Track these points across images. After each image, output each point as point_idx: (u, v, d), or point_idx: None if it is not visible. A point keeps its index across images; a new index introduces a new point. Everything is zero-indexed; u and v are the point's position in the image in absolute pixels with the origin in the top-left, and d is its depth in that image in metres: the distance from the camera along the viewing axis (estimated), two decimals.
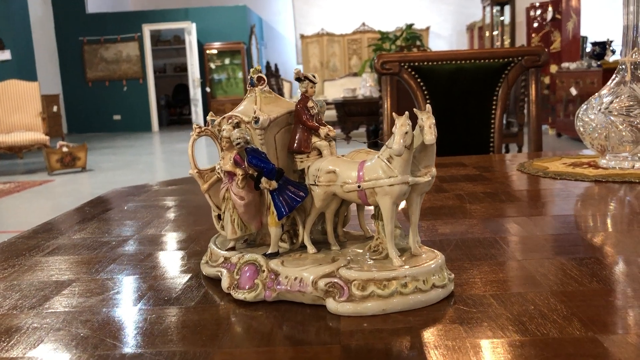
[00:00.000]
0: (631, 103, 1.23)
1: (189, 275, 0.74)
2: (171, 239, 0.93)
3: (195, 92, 12.09)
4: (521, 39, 9.75)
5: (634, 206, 1.02)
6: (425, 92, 2.01)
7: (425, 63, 2.01)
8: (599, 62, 7.69)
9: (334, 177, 0.64)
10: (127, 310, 0.64)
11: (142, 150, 9.54)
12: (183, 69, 13.51)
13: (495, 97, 2.02)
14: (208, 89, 12.23)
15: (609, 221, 0.94)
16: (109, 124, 12.27)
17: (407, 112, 0.58)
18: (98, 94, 12.27)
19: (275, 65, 5.71)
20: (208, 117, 0.75)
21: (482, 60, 2.00)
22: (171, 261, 0.81)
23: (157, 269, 0.77)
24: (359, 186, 0.62)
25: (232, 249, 0.72)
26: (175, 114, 14.11)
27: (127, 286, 0.71)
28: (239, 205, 0.70)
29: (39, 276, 0.76)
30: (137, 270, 0.77)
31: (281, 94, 5.59)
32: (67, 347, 0.55)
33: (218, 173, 0.73)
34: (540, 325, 0.54)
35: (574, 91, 7.98)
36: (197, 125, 0.74)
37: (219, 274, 0.69)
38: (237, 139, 0.66)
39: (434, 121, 0.58)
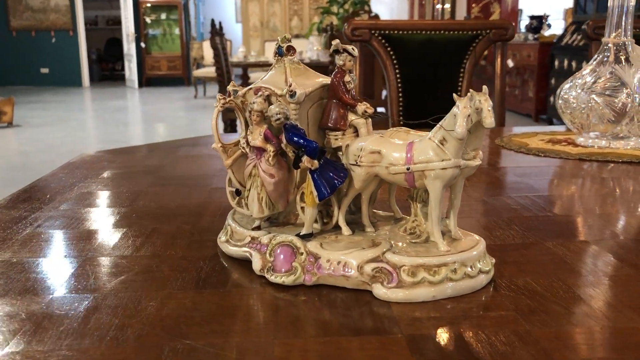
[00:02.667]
0: (613, 84, 1.26)
1: (207, 254, 0.70)
2: (169, 212, 0.88)
3: (130, 47, 11.55)
4: (461, 9, 9.86)
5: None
6: (395, 61, 1.99)
7: (396, 32, 1.99)
8: (535, 36, 7.90)
9: (379, 158, 0.62)
10: (158, 295, 0.60)
11: (74, 106, 9.10)
12: (116, 22, 12.87)
13: (462, 69, 2.03)
14: (143, 45, 11.73)
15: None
16: (36, 78, 11.58)
17: (469, 94, 0.56)
18: (23, 44, 11.52)
19: (220, 23, 5.51)
20: (230, 87, 0.70)
21: (452, 32, 2.00)
22: (182, 238, 0.76)
23: (171, 247, 0.73)
24: (408, 168, 0.60)
25: (258, 228, 0.69)
26: (108, 70, 13.48)
27: (145, 270, 0.67)
28: (268, 183, 0.67)
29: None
30: (149, 250, 0.72)
31: (225, 53, 5.42)
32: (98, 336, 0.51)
33: (243, 148, 0.69)
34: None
35: (511, 63, 8.18)
36: (221, 96, 0.69)
37: (248, 254, 0.66)
38: (276, 114, 0.62)
39: (491, 103, 0.56)
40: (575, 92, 1.30)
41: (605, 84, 1.26)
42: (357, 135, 0.66)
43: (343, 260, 0.60)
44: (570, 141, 1.38)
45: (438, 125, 0.59)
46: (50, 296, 0.59)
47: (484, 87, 0.58)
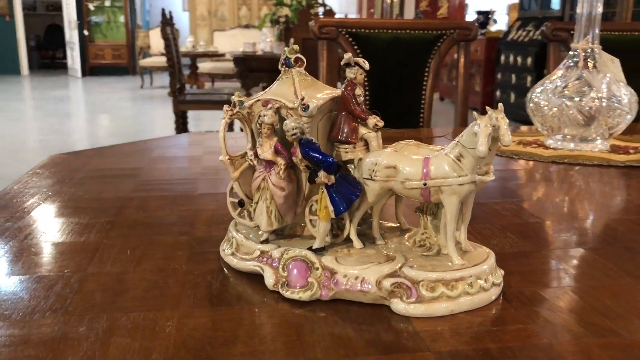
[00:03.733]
0: (582, 88, 1.31)
1: (212, 267, 0.69)
2: (160, 221, 0.86)
3: (72, 35, 11.13)
4: (410, 3, 9.97)
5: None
6: None
7: (363, 30, 1.99)
8: (482, 31, 8.08)
9: (394, 173, 0.62)
10: (174, 314, 0.58)
11: (12, 95, 8.73)
12: (57, 7, 12.37)
13: (427, 69, 2.06)
14: (86, 32, 11.34)
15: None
16: None
17: (488, 113, 0.57)
18: None
19: (170, 12, 5.39)
20: (234, 98, 0.69)
21: (417, 32, 2.02)
22: (182, 250, 0.75)
23: (172, 260, 0.71)
24: (424, 184, 0.60)
25: (266, 241, 0.68)
26: (48, 57, 12.97)
27: (152, 286, 0.65)
28: (278, 196, 0.66)
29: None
30: (150, 264, 0.70)
31: (176, 44, 5.31)
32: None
33: (250, 161, 0.68)
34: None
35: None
36: (228, 107, 0.68)
37: (259, 269, 0.65)
38: (292, 128, 0.61)
39: (507, 121, 0.58)
40: (546, 96, 1.34)
41: (575, 89, 1.31)
42: (368, 149, 0.67)
43: (361, 275, 0.60)
44: (539, 143, 1.42)
45: (455, 141, 0.60)
46: (60, 317, 0.57)
47: (500, 105, 0.59)
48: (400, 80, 2.05)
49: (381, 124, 0.66)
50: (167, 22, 5.36)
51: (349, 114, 0.66)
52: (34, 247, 0.75)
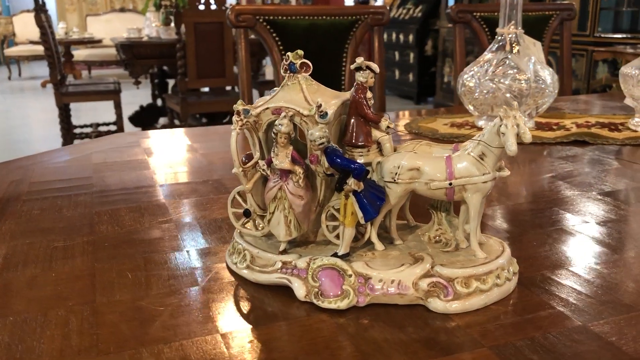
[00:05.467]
0: (511, 71, 1.39)
1: (226, 283, 0.67)
2: (140, 236, 0.82)
3: None
4: None
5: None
6: (281, 47, 1.98)
7: (280, 17, 1.97)
8: None
9: (417, 175, 0.63)
10: (223, 338, 0.56)
11: None
12: None
13: (345, 54, 2.08)
14: None
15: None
16: None
17: (512, 112, 0.59)
18: None
19: (43, 0, 5.00)
20: (239, 107, 0.67)
21: (334, 17, 2.04)
22: (183, 267, 0.72)
23: (181, 278, 0.68)
24: (450, 183, 0.62)
25: (284, 251, 0.67)
26: None
27: (181, 311, 0.62)
28: (297, 205, 0.65)
29: None
30: (163, 287, 0.67)
31: (53, 32, 4.94)
32: None
33: (263, 171, 0.66)
34: None
35: None
36: (238, 117, 0.65)
37: (285, 281, 0.64)
38: (319, 138, 0.61)
39: (525, 118, 0.61)
40: (477, 79, 1.41)
41: (504, 71, 1.38)
42: (380, 151, 0.67)
43: (397, 278, 0.61)
44: (471, 124, 1.50)
45: (477, 140, 0.62)
46: (98, 358, 0.53)
47: (515, 103, 0.62)
48: (321, 66, 2.05)
49: (392, 125, 0.67)
50: (40, 8, 4.97)
51: (361, 118, 0.66)
52: (17, 279, 0.68)
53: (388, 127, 0.67)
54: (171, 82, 5.57)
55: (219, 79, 4.49)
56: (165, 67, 5.41)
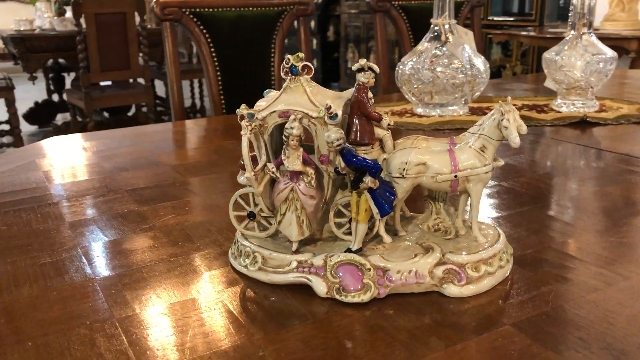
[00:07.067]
0: (446, 60, 1.46)
1: (239, 286, 0.68)
2: (131, 245, 0.80)
3: None
4: None
5: None
6: (209, 40, 1.96)
7: (207, 9, 1.94)
8: None
9: (424, 169, 0.67)
10: (260, 341, 0.57)
11: None
12: None
13: (273, 45, 2.09)
14: None
15: None
16: None
17: (511, 107, 0.64)
18: None
19: None
20: (243, 111, 0.67)
21: (260, 8, 2.03)
22: (191, 273, 0.71)
23: (192, 284, 0.68)
24: (455, 175, 0.66)
25: (297, 250, 0.68)
26: None
27: (202, 321, 0.62)
28: (309, 205, 0.67)
29: None
30: (179, 296, 0.66)
31: None
32: None
33: (272, 173, 0.67)
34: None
35: None
36: (247, 122, 0.66)
37: (304, 280, 0.66)
38: (337, 139, 0.62)
39: (517, 111, 0.66)
40: (416, 69, 1.47)
41: (440, 61, 1.45)
42: (382, 148, 0.70)
43: (414, 268, 0.64)
44: (410, 112, 1.56)
45: (477, 133, 0.67)
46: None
47: (509, 98, 0.67)
48: (250, 57, 2.05)
49: (392, 122, 0.70)
50: None
51: (363, 117, 0.69)
52: (17, 302, 0.65)
53: (389, 124, 0.70)
54: (69, 76, 5.29)
55: (124, 71, 4.33)
56: (61, 60, 5.13)
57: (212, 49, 1.96)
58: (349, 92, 0.70)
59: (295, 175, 0.66)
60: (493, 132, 0.66)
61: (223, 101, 1.98)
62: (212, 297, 0.65)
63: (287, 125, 0.65)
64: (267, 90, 0.74)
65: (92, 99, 4.22)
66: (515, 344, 0.56)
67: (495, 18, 5.12)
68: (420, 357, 0.54)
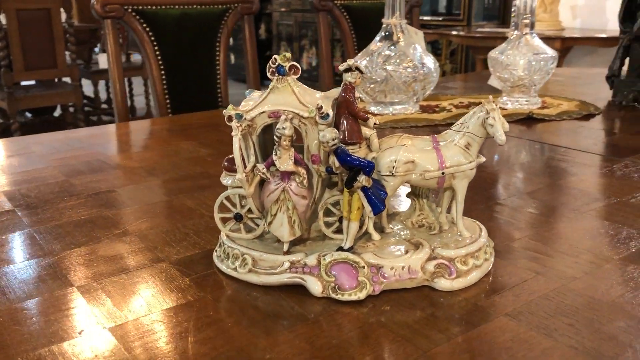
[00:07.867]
0: (398, 59, 1.49)
1: (231, 290, 0.67)
2: (114, 252, 0.77)
3: None
4: None
5: None
6: (153, 39, 1.90)
7: (150, 7, 1.89)
8: None
9: (412, 167, 0.68)
10: (258, 342, 0.56)
11: None
12: None
13: (218, 43, 2.06)
14: None
15: None
16: None
17: (495, 106, 0.66)
18: None
19: None
20: (230, 112, 0.66)
21: (205, 6, 2.00)
22: (176, 278, 0.70)
23: (183, 292, 0.66)
24: (442, 173, 0.68)
25: (287, 251, 0.68)
26: None
27: (205, 323, 0.61)
28: (301, 205, 0.67)
29: None
30: (170, 298, 0.65)
31: None
32: None
33: (262, 174, 0.67)
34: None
35: None
36: (238, 123, 0.65)
37: (298, 280, 0.66)
38: (332, 139, 0.63)
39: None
40: (370, 67, 1.49)
41: (394, 60, 1.48)
42: (368, 147, 0.71)
43: (407, 264, 0.66)
44: (363, 110, 1.58)
45: (462, 131, 0.69)
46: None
47: (490, 97, 0.69)
48: (195, 56, 2.01)
49: (379, 122, 0.71)
50: None
51: (350, 116, 0.69)
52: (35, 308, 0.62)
53: (375, 123, 0.70)
54: None
55: (50, 70, 4.13)
56: None
57: (156, 48, 1.91)
58: (335, 92, 0.71)
59: (286, 175, 0.66)
60: (478, 129, 0.68)
61: (168, 101, 1.94)
62: (204, 301, 0.64)
63: (278, 126, 0.64)
64: (249, 90, 0.73)
65: (15, 100, 4.01)
66: (512, 333, 0.58)
67: (424, 18, 5.24)
68: (426, 351, 0.55)
